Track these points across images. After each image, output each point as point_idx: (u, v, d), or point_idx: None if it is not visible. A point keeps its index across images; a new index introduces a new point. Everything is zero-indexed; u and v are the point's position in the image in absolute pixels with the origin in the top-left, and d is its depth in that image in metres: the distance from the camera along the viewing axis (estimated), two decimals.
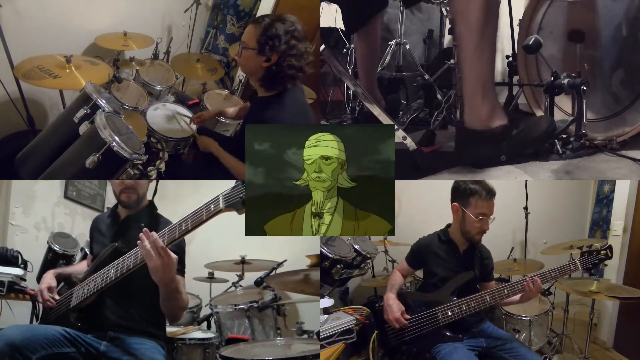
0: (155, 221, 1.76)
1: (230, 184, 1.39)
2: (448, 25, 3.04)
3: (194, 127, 2.48)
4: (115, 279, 1.53)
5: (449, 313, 1.83)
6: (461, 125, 2.30)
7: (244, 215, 1.59)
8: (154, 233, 1.42)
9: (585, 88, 2.25)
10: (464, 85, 2.23)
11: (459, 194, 1.93)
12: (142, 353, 1.58)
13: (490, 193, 1.89)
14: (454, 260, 1.96)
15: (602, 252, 1.86)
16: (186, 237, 1.49)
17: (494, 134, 2.20)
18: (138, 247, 1.48)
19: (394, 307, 1.89)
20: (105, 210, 2.91)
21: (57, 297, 1.69)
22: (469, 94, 2.21)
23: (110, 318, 1.62)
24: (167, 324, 2.38)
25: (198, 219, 1.40)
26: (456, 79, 2.68)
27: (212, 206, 1.37)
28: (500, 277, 2.93)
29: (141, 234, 1.43)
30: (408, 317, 1.88)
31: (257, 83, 1.95)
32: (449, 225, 2.03)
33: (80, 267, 1.91)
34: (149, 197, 1.90)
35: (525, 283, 1.81)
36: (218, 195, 1.37)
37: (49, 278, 1.73)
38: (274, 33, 1.81)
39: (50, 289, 1.69)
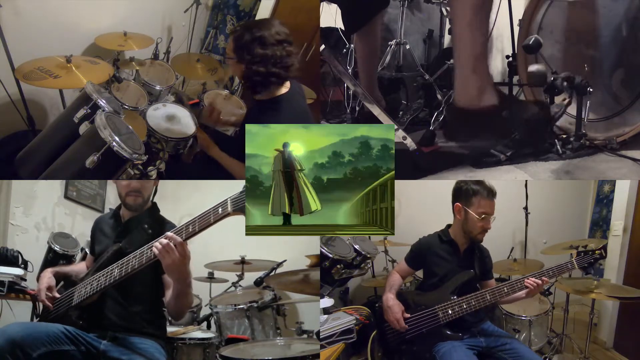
0: (158, 223, 1.76)
1: (230, 183, 1.39)
2: (448, 25, 3.04)
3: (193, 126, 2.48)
4: (119, 278, 1.53)
5: (450, 311, 1.83)
6: (451, 104, 2.30)
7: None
8: (168, 233, 1.43)
9: (589, 89, 2.25)
10: (456, 63, 2.24)
11: (462, 195, 1.95)
12: (142, 352, 1.58)
13: (492, 193, 1.91)
14: (455, 259, 1.97)
15: (597, 251, 1.90)
16: None
17: (483, 113, 2.20)
18: (143, 247, 1.49)
19: (394, 308, 1.89)
20: (106, 210, 2.92)
21: (57, 295, 1.69)
22: (460, 68, 2.23)
23: (111, 318, 1.62)
24: (168, 324, 2.39)
25: (205, 222, 1.40)
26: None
27: (220, 209, 1.38)
28: (500, 277, 2.93)
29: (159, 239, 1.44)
30: (408, 316, 1.88)
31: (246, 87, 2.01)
32: (449, 226, 2.03)
33: (79, 267, 1.91)
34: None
35: (527, 282, 1.81)
36: (226, 199, 1.38)
37: (48, 277, 1.73)
38: (242, 43, 1.88)
39: (49, 288, 1.70)
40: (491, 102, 2.21)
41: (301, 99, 2.03)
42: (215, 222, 1.39)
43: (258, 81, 1.90)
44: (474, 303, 1.84)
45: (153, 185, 1.88)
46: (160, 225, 1.74)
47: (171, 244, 1.41)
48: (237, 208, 1.35)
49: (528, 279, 1.83)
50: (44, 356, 1.40)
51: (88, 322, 1.60)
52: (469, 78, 2.19)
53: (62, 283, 1.74)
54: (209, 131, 2.40)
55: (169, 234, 1.43)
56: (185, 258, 1.44)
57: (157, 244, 1.43)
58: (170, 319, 2.43)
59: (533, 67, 2.35)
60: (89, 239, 1.92)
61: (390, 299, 1.92)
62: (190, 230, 1.43)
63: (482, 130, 2.21)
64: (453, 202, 1.98)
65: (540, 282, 1.81)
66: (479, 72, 2.19)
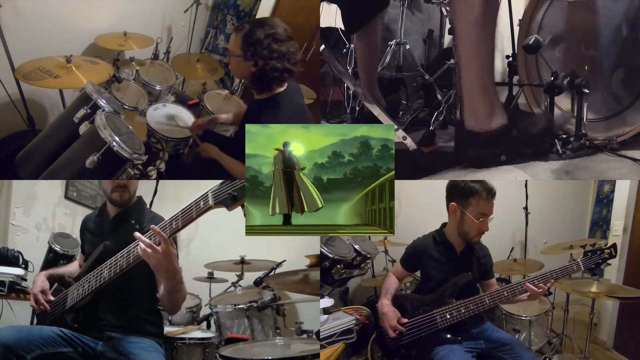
0: (145, 217, 1.74)
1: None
2: (448, 25, 3.04)
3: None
4: (108, 279, 1.53)
5: (448, 316, 1.79)
6: (461, 126, 2.29)
7: (242, 214, 1.60)
8: (153, 227, 1.41)
9: (585, 89, 2.25)
10: (463, 85, 2.23)
11: (458, 194, 1.86)
12: (139, 352, 1.57)
13: (491, 193, 1.82)
14: (451, 262, 1.90)
15: (606, 251, 1.79)
16: (186, 237, 1.49)
17: (494, 135, 2.19)
18: (130, 246, 1.48)
19: (389, 314, 1.84)
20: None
21: (51, 298, 1.68)
22: (468, 94, 2.21)
23: (107, 318, 1.61)
24: (167, 323, 2.39)
25: (188, 217, 1.39)
26: (456, 78, 2.69)
27: (202, 203, 1.36)
28: (500, 277, 2.93)
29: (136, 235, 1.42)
30: (405, 321, 1.83)
31: (249, 86, 1.99)
32: (444, 225, 1.97)
33: (72, 267, 1.89)
34: (144, 196, 1.88)
35: (527, 286, 1.75)
36: (207, 192, 1.36)
37: (41, 280, 1.72)
38: (254, 39, 1.85)
39: (43, 292, 1.68)
40: (501, 123, 2.20)
41: (298, 96, 2.04)
42: (197, 216, 1.38)
43: (275, 77, 1.89)
44: (472, 307, 1.78)
45: (137, 181, 1.86)
46: (148, 220, 1.71)
47: (153, 244, 1.40)
48: (218, 201, 1.33)
49: (530, 282, 1.76)
50: (38, 358, 1.40)
51: (84, 324, 1.60)
52: (477, 101, 2.18)
53: (55, 285, 1.74)
54: (207, 133, 2.39)
55: (154, 227, 1.41)
56: (170, 256, 1.41)
57: (141, 244, 1.41)
58: (170, 317, 2.46)
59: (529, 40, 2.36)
60: (80, 239, 1.89)
61: (386, 305, 1.87)
62: (174, 226, 1.41)
63: (494, 151, 2.20)
64: (448, 201, 1.91)
65: (538, 290, 1.74)
66: (487, 94, 2.18)
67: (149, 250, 1.40)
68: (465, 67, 2.19)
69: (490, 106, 2.19)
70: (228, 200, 1.32)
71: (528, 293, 1.77)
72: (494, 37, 2.17)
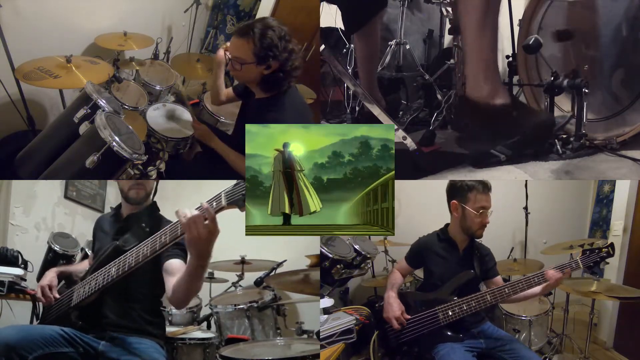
0: (157, 221, 1.75)
1: (231, 183, 1.39)
2: (448, 25, 3.05)
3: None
4: (116, 277, 1.53)
5: (450, 313, 1.83)
6: (463, 95, 2.30)
7: (244, 215, 1.60)
8: (204, 203, 1.32)
9: (585, 89, 2.25)
10: (467, 66, 2.25)
11: (457, 191, 1.94)
12: (141, 353, 1.57)
13: (487, 187, 1.92)
14: (454, 259, 1.96)
15: (603, 249, 1.82)
16: None
17: (495, 110, 2.21)
18: (139, 245, 1.48)
19: (394, 305, 1.89)
20: (107, 209, 2.92)
21: (57, 295, 1.69)
22: (472, 75, 2.23)
23: (110, 317, 1.62)
24: (167, 323, 2.39)
25: None
26: (456, 78, 2.69)
27: (215, 203, 1.36)
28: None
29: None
30: (408, 317, 1.88)
31: (256, 88, 1.97)
32: (447, 225, 2.03)
33: (81, 266, 1.91)
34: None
35: (546, 274, 1.79)
36: (220, 193, 1.36)
37: (51, 276, 1.74)
38: (270, 43, 1.81)
39: (50, 287, 1.70)
40: (503, 102, 2.22)
41: (299, 94, 2.04)
42: None
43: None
44: (474, 304, 1.83)
45: (154, 182, 1.88)
46: (159, 224, 1.72)
47: (201, 217, 1.29)
48: (231, 201, 1.34)
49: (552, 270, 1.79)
50: (40, 358, 1.40)
51: (87, 323, 1.60)
52: (480, 82, 2.21)
53: (62, 282, 1.74)
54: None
55: (204, 204, 1.31)
56: (213, 235, 1.30)
57: (188, 213, 1.30)
58: (170, 314, 2.46)
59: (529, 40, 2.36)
60: (91, 238, 1.92)
61: (391, 297, 1.93)
62: None
63: (492, 125, 2.21)
64: (448, 200, 1.98)
65: (558, 275, 1.77)
66: (490, 76, 2.21)
67: (199, 220, 1.28)
68: (469, 47, 2.21)
69: (493, 86, 2.22)
70: (241, 201, 1.33)
71: (543, 285, 1.81)
72: (497, 17, 2.19)
